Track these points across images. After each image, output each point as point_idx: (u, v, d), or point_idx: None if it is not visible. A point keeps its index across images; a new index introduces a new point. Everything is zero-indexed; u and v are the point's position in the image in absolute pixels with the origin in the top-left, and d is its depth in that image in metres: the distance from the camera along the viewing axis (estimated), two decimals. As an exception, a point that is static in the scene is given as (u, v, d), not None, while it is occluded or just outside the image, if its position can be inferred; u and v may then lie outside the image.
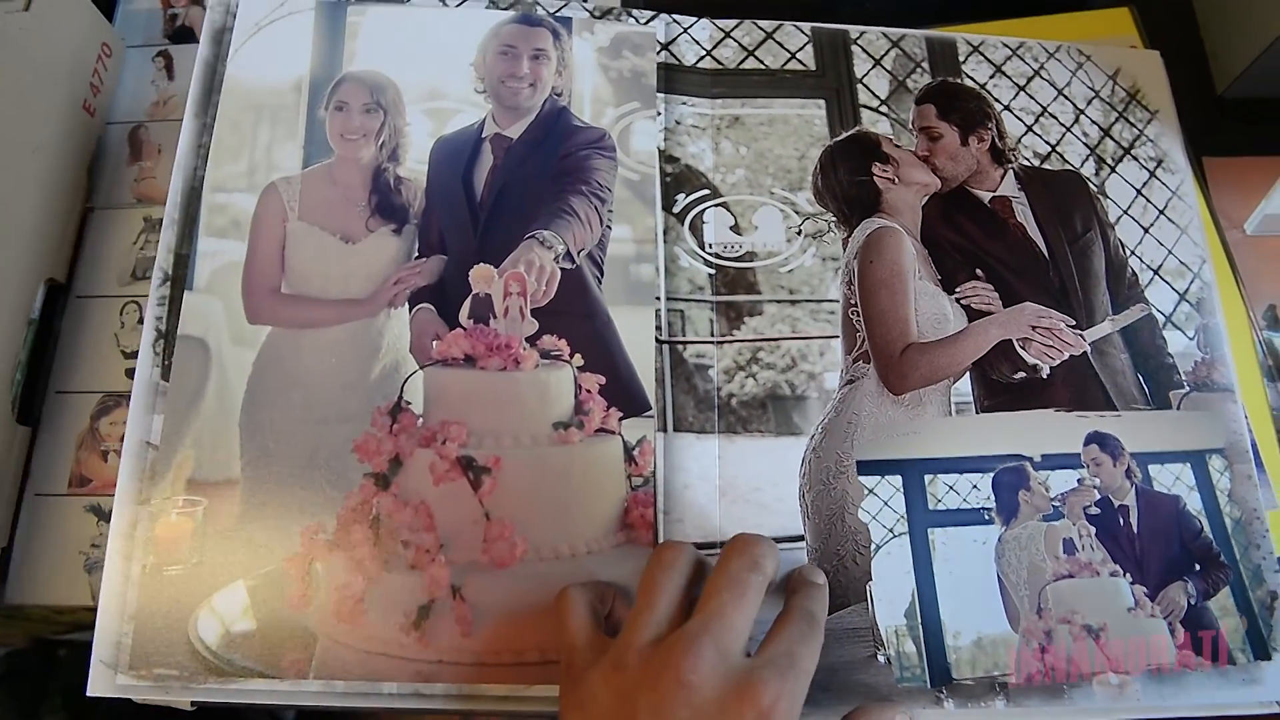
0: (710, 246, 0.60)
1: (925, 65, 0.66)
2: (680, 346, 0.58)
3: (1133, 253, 0.63)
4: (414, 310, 0.58)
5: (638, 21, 0.65)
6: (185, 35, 0.72)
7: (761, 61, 0.65)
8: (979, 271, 0.60)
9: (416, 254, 0.59)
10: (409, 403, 0.55)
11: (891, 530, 0.54)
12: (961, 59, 0.66)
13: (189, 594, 0.52)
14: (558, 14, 0.64)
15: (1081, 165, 0.65)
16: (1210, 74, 0.73)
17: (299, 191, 0.60)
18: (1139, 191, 0.64)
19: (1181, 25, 0.75)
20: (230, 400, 0.55)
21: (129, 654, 0.51)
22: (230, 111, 0.61)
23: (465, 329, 0.56)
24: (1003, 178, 0.63)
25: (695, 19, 0.66)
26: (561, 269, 0.57)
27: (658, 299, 0.58)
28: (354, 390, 0.56)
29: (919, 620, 0.52)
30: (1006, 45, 0.67)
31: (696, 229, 0.61)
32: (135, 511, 0.53)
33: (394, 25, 0.64)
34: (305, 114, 0.61)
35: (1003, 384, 0.58)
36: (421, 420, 0.55)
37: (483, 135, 0.61)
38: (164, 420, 0.55)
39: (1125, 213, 0.63)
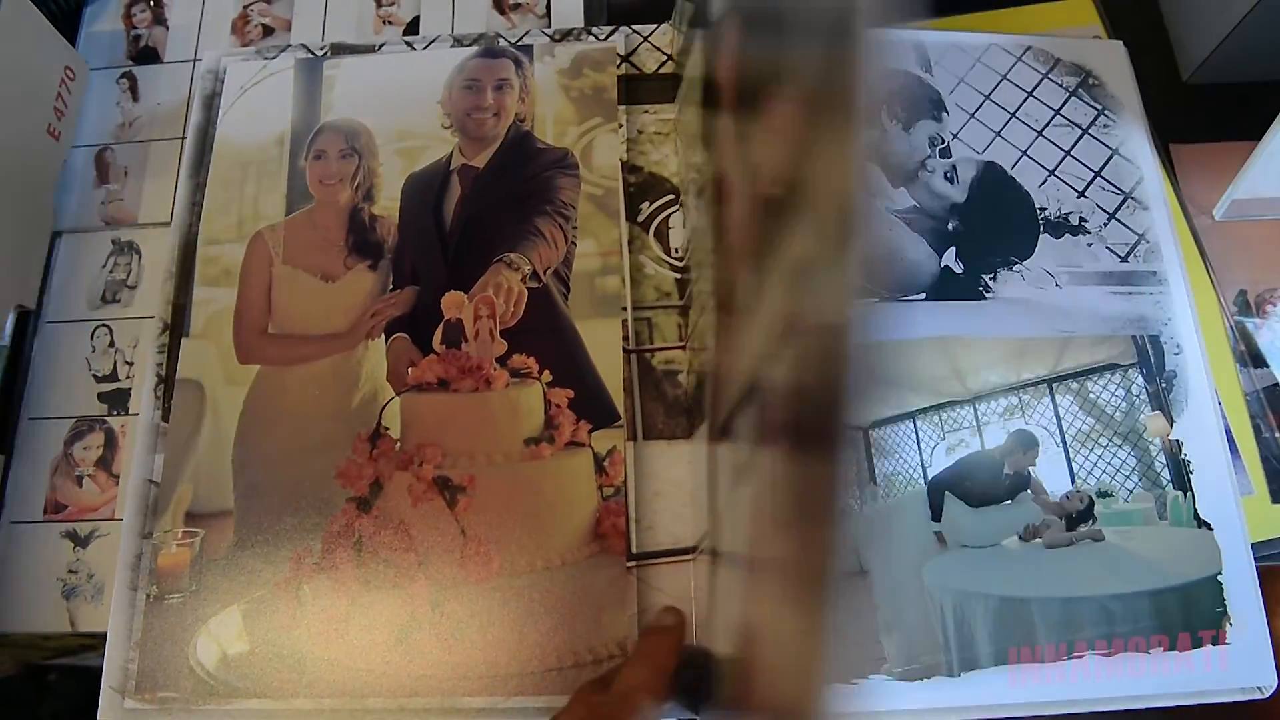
0: (676, 251, 0.62)
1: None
2: (647, 355, 0.60)
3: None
4: (390, 340, 0.60)
5: (597, 39, 0.67)
6: (149, 56, 0.74)
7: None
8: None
9: (391, 286, 0.62)
10: (387, 428, 0.57)
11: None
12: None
13: (189, 620, 0.54)
14: (519, 43, 0.67)
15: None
16: (1175, 61, 0.73)
17: (282, 237, 0.63)
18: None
19: (1145, 12, 0.75)
20: (224, 436, 0.59)
21: (135, 679, 0.53)
22: (220, 170, 0.65)
23: (439, 354, 0.58)
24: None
25: (655, 26, 0.68)
26: (529, 289, 0.59)
27: (624, 309, 0.60)
28: (336, 420, 0.58)
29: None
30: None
31: (662, 235, 0.62)
32: (139, 544, 0.56)
33: (366, 74, 0.67)
34: (287, 165, 0.65)
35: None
36: (399, 444, 0.57)
37: (450, 168, 0.64)
38: (164, 459, 0.58)
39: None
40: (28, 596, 0.59)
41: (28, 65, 0.64)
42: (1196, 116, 0.70)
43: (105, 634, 0.55)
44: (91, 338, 0.65)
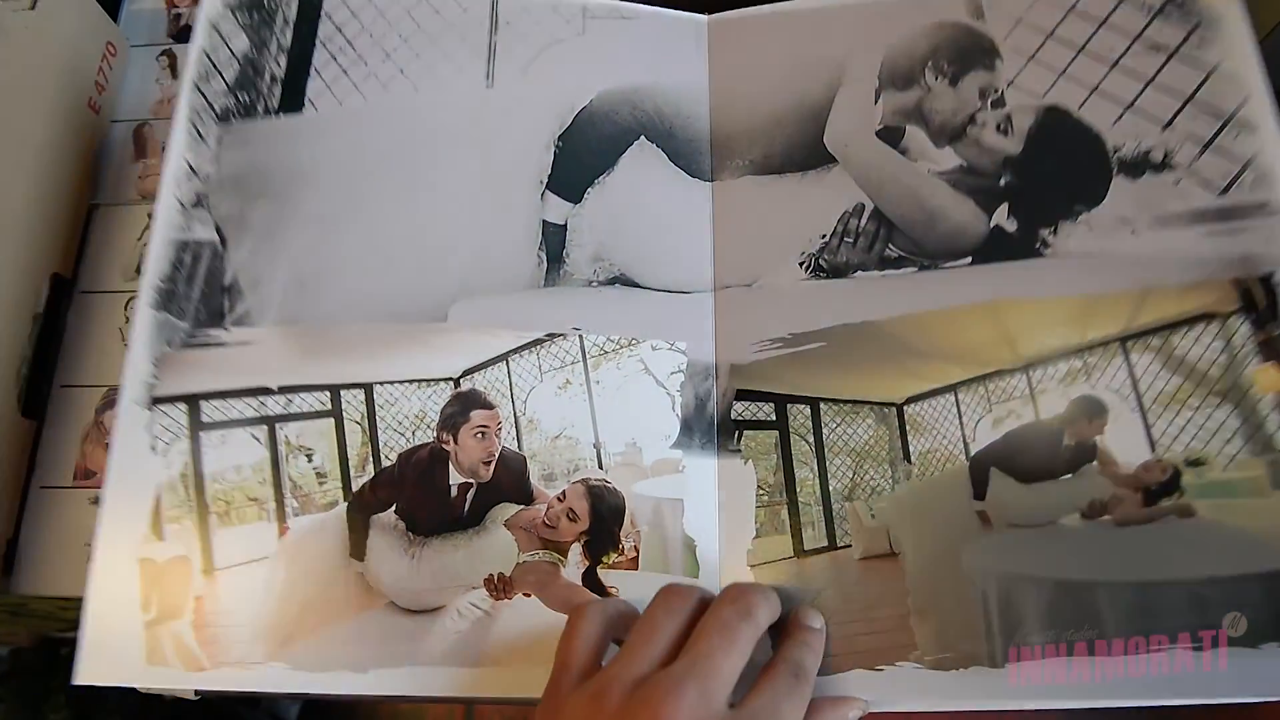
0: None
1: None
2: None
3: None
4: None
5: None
6: (189, 35, 0.70)
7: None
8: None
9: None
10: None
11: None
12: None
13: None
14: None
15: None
16: None
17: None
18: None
19: None
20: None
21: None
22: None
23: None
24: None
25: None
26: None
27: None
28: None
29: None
30: None
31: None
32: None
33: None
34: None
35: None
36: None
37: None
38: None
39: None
40: (55, 559, 0.58)
41: (71, 39, 0.65)
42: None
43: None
44: (125, 309, 0.64)
